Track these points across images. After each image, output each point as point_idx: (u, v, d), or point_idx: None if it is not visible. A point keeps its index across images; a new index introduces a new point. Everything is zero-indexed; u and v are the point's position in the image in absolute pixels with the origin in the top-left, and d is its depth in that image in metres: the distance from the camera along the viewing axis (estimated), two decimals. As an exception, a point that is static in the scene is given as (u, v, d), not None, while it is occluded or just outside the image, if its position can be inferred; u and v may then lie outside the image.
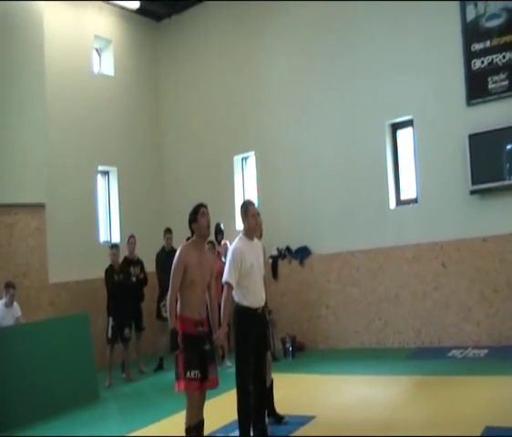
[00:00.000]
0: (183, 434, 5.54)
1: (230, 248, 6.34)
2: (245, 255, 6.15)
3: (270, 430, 6.50)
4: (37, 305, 10.77)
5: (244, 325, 6.12)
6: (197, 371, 5.40)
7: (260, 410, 6.30)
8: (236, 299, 6.20)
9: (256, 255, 6.31)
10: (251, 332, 6.14)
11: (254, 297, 6.19)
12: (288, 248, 11.94)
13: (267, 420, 6.61)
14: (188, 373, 5.37)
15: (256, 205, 9.41)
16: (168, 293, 5.55)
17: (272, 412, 6.87)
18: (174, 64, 13.99)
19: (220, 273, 8.78)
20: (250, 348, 6.11)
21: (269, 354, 6.94)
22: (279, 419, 6.88)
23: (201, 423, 5.64)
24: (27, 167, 11.02)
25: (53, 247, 11.34)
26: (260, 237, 6.92)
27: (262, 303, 6.31)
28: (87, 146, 12.31)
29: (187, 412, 5.50)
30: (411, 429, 6.37)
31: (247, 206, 6.44)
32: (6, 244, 10.72)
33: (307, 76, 11.92)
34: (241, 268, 6.09)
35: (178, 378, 5.45)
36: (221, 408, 5.78)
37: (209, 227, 5.69)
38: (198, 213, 5.67)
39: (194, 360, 5.41)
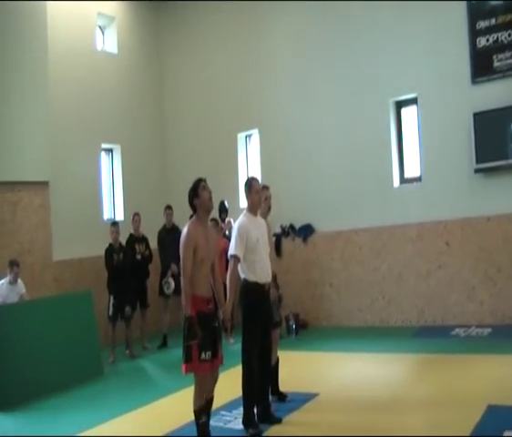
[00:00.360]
0: (186, 411, 5.55)
1: (235, 223, 6.35)
2: (250, 230, 6.16)
3: (273, 407, 6.53)
4: (41, 282, 10.81)
5: (251, 301, 6.14)
6: (209, 352, 5.35)
7: (264, 387, 6.34)
8: (242, 274, 6.22)
9: (261, 231, 6.33)
10: (258, 308, 6.15)
11: (261, 272, 6.20)
12: (291, 226, 11.93)
13: (270, 398, 6.63)
14: (202, 355, 5.29)
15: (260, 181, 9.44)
16: (183, 279, 5.38)
17: (276, 391, 6.88)
18: (177, 41, 13.89)
19: (225, 251, 8.88)
20: (257, 324, 6.13)
21: (277, 332, 6.97)
22: (282, 397, 6.89)
23: (212, 401, 5.66)
24: (31, 145, 11.03)
25: (57, 224, 11.36)
26: (268, 211, 6.93)
27: (269, 279, 6.32)
28: (90, 123, 12.27)
29: (197, 395, 5.43)
30: (414, 405, 6.45)
31: (250, 182, 6.44)
32: (10, 221, 10.74)
33: (311, 54, 11.84)
34: (247, 242, 6.10)
35: (189, 360, 5.31)
36: (225, 385, 5.79)
37: (211, 199, 5.56)
38: (198, 187, 5.52)
39: (208, 340, 5.36)
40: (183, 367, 5.36)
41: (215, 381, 5.63)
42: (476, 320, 9.92)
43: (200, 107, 13.49)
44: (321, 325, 11.46)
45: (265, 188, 6.95)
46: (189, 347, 5.28)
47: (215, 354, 5.44)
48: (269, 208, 6.96)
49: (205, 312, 5.39)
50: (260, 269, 6.19)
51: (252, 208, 6.36)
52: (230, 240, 6.49)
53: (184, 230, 5.46)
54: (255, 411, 6.19)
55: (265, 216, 6.88)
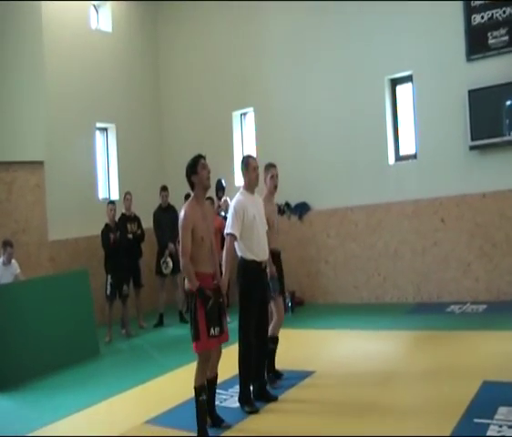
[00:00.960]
0: (184, 389, 5.60)
1: (232, 201, 6.34)
2: (247, 207, 6.15)
3: (277, 384, 6.64)
4: (37, 262, 10.83)
5: (248, 279, 6.16)
6: (218, 328, 5.38)
7: (260, 365, 6.36)
8: (239, 252, 6.22)
9: (258, 208, 6.31)
10: (255, 286, 6.17)
11: (258, 249, 6.20)
12: (287, 204, 11.92)
13: (266, 376, 6.67)
14: (211, 330, 5.31)
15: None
16: (182, 259, 5.36)
17: (272, 369, 6.90)
18: (173, 20, 13.77)
19: (220, 229, 8.89)
20: (254, 301, 6.14)
21: (282, 307, 7.00)
22: (278, 375, 6.92)
23: (216, 377, 5.73)
24: (26, 126, 11.00)
25: (52, 204, 11.34)
26: (275, 189, 6.96)
27: (266, 257, 6.32)
28: (85, 103, 12.20)
29: (199, 371, 5.43)
30: (410, 380, 6.52)
31: (247, 159, 6.43)
32: (6, 201, 10.75)
33: (306, 33, 11.76)
34: (244, 220, 6.10)
35: (198, 338, 5.32)
36: (221, 363, 5.81)
37: (209, 178, 5.51)
38: (197, 164, 5.46)
39: (215, 315, 5.38)
40: (194, 345, 5.38)
41: (219, 356, 5.69)
42: (472, 297, 9.97)
43: (196, 86, 13.41)
44: (317, 302, 11.49)
45: (272, 166, 6.99)
46: (197, 324, 5.30)
47: (221, 329, 5.47)
48: (275, 187, 6.96)
49: (210, 288, 5.40)
50: (257, 247, 6.19)
51: (249, 186, 6.34)
52: (226, 219, 6.49)
53: (181, 212, 5.43)
54: (251, 388, 6.22)
55: (272, 194, 6.95)
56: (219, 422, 5.69)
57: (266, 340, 6.45)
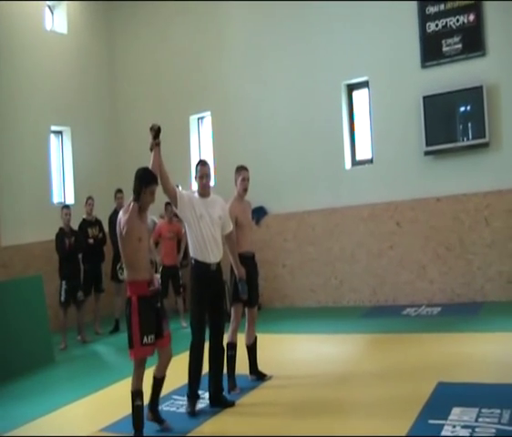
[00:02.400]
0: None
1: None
2: (195, 205, 6.15)
3: (238, 389, 6.64)
4: (-11, 268, 10.57)
5: (196, 280, 6.17)
6: (152, 336, 5.37)
7: (215, 369, 6.34)
8: (191, 253, 6.23)
9: (210, 210, 6.22)
10: (204, 288, 6.15)
11: (206, 251, 6.14)
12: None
13: (250, 377, 6.85)
14: (144, 339, 5.31)
15: (212, 164, 9.44)
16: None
17: (255, 370, 6.98)
18: (129, 21, 13.64)
19: (178, 234, 8.94)
20: (202, 303, 6.14)
21: (255, 310, 7.06)
22: (262, 376, 6.97)
23: (163, 379, 5.73)
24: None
25: (5, 209, 11.11)
26: (244, 192, 6.97)
27: (217, 259, 6.24)
28: (39, 105, 12.01)
29: (134, 377, 5.44)
30: (366, 382, 6.60)
31: (197, 165, 6.43)
32: (-45, 204, 10.46)
33: (263, 37, 11.82)
34: (188, 208, 6.12)
35: (131, 346, 5.36)
36: (178, 369, 5.80)
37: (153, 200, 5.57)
38: (146, 189, 5.45)
39: (150, 323, 5.37)
40: (129, 352, 5.42)
41: (168, 359, 5.66)
42: (427, 299, 10.13)
43: (153, 88, 13.33)
44: (274, 306, 11.51)
45: (243, 168, 7.00)
46: (131, 331, 5.34)
47: (160, 334, 5.48)
48: (245, 190, 6.96)
49: (146, 295, 5.40)
50: (204, 249, 6.13)
51: (200, 191, 6.31)
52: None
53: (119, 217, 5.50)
54: (200, 392, 6.24)
55: (241, 197, 6.97)
56: (160, 421, 5.72)
57: (221, 343, 6.40)
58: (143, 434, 5.42)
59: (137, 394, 5.40)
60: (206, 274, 6.15)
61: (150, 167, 5.84)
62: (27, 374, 8.45)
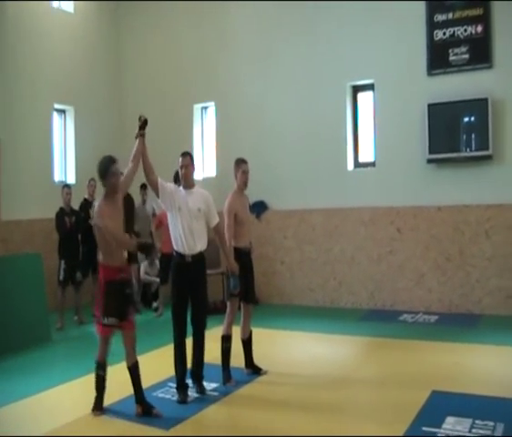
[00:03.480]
0: (129, 377, 5.81)
1: None
2: (174, 196, 6.21)
3: (233, 381, 6.66)
4: (-12, 241, 10.55)
5: (174, 271, 6.28)
6: (113, 319, 5.69)
7: (196, 357, 6.41)
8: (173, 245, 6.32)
9: (190, 203, 6.21)
10: (180, 279, 6.23)
11: (182, 242, 6.20)
12: (246, 202, 11.86)
13: (245, 371, 6.90)
14: (105, 319, 5.71)
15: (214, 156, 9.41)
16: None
17: (251, 364, 7.02)
18: (136, 7, 13.51)
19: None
20: (181, 293, 6.22)
21: (251, 306, 7.14)
22: (257, 370, 7.00)
23: (136, 364, 5.86)
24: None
25: (6, 184, 11.07)
26: (245, 186, 6.97)
27: (193, 251, 6.23)
28: (43, 83, 11.93)
29: (99, 350, 5.93)
30: (361, 386, 6.60)
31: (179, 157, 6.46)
32: (-43, 176, 10.43)
33: (271, 33, 11.77)
34: (168, 198, 6.21)
35: (98, 321, 5.83)
36: (162, 361, 5.83)
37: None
38: (108, 171, 5.89)
39: (112, 306, 5.68)
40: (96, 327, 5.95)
41: (130, 343, 5.84)
42: (424, 307, 10.15)
43: (158, 74, 13.25)
44: (272, 302, 11.50)
45: (243, 161, 6.99)
46: (99, 309, 5.77)
47: (124, 318, 5.73)
48: (245, 183, 6.95)
49: (115, 280, 5.69)
50: (180, 240, 6.19)
51: (183, 182, 6.34)
52: None
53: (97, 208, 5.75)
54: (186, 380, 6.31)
55: (242, 190, 6.97)
56: (149, 410, 5.79)
57: (202, 334, 6.41)
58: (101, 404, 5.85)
59: (98, 364, 5.91)
60: (181, 265, 6.23)
61: (132, 155, 6.15)
62: (23, 351, 8.44)
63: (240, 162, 6.98)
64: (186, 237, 6.18)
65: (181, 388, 6.22)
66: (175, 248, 6.25)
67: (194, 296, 6.29)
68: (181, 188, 6.34)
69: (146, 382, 6.04)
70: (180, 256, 6.20)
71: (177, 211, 6.17)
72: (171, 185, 6.42)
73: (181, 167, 6.32)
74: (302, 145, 11.40)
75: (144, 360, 5.63)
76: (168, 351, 5.86)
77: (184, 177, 6.31)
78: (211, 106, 12.75)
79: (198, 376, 6.42)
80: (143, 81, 13.52)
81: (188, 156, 6.42)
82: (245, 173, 6.88)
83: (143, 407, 5.79)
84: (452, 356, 7.51)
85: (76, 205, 10.65)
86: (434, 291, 10.12)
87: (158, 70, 13.26)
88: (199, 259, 6.28)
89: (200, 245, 6.27)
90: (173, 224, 6.22)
